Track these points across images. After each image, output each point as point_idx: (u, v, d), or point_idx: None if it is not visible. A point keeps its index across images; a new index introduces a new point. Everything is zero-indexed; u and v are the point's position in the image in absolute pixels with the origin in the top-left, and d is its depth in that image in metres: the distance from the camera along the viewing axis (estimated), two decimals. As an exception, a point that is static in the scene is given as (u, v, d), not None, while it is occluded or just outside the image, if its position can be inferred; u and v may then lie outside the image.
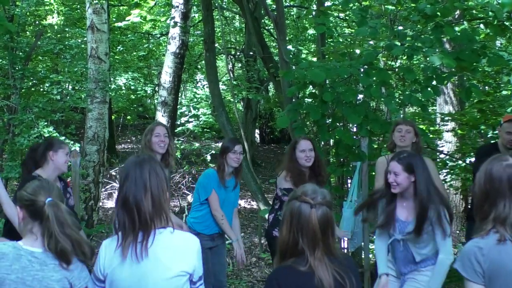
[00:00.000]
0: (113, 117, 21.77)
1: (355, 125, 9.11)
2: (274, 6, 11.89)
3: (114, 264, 3.76)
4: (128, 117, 26.23)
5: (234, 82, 21.53)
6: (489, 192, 3.78)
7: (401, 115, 11.12)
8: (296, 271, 3.58)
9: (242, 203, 17.28)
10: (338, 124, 9.37)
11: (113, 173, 16.54)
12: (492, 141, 9.57)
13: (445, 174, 11.72)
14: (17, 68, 10.93)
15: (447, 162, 11.75)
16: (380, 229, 6.21)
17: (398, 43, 8.61)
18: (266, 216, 8.59)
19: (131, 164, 3.87)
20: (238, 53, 23.69)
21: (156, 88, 20.49)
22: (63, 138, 10.36)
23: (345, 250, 9.43)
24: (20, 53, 11.34)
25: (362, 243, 8.69)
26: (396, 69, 9.66)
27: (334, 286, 3.57)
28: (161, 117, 15.30)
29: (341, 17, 18.09)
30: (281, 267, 3.67)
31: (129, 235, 3.74)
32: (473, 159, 8.90)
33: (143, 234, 3.73)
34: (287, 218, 3.67)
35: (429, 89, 8.56)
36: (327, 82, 9.10)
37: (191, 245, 3.88)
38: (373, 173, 8.11)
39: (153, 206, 3.75)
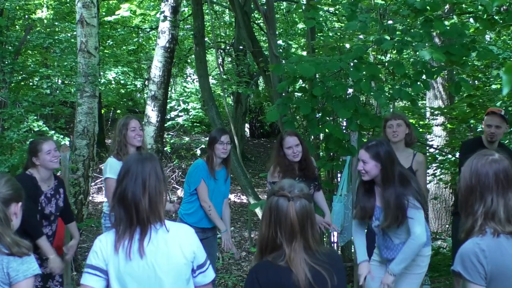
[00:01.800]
0: (102, 111, 21.76)
1: (345, 120, 9.12)
2: (264, 0, 11.87)
3: (116, 258, 3.78)
4: (118, 111, 26.18)
5: (224, 76, 21.51)
6: (475, 187, 3.79)
7: (391, 109, 11.13)
8: (275, 266, 3.60)
9: (232, 197, 17.31)
10: (328, 118, 9.38)
11: (103, 167, 16.53)
12: (476, 136, 9.59)
13: (434, 168, 11.76)
14: (6, 62, 10.88)
15: (437, 156, 11.79)
16: (358, 220, 6.27)
17: (388, 38, 8.63)
18: (256, 210, 8.60)
19: (132, 161, 3.89)
20: (228, 47, 23.68)
21: (146, 82, 20.48)
22: (52, 132, 10.32)
23: (335, 245, 9.45)
24: (10, 47, 11.29)
25: (352, 237, 8.71)
26: (386, 64, 9.67)
27: (312, 281, 3.56)
28: (151, 111, 15.29)
29: (331, 11, 18.09)
30: (261, 262, 3.70)
31: (126, 231, 3.77)
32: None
33: (141, 231, 3.76)
34: (266, 214, 3.70)
35: (418, 83, 8.57)
36: (317, 76, 9.10)
37: (188, 234, 3.91)
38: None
39: (150, 206, 3.76)
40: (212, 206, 7.48)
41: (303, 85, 9.59)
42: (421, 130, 11.83)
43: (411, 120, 10.24)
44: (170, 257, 3.79)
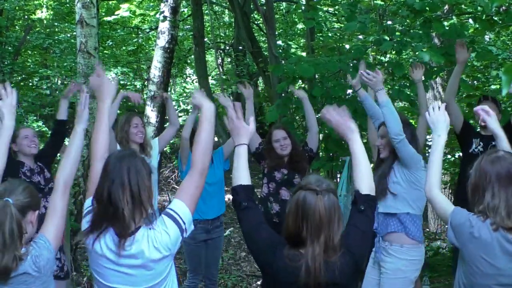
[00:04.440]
0: (102, 111, 21.66)
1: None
2: (264, 1, 11.88)
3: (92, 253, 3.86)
4: (118, 112, 26.09)
5: (224, 77, 21.52)
6: (478, 184, 3.92)
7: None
8: (292, 255, 3.60)
9: (231, 197, 17.26)
10: (327, 118, 9.37)
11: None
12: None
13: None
14: (6, 63, 10.89)
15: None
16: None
17: (387, 38, 8.62)
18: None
19: (111, 159, 3.85)
20: (227, 48, 23.67)
21: (145, 83, 20.46)
22: (51, 133, 10.36)
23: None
24: (9, 48, 11.32)
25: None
26: (385, 64, 9.68)
27: (320, 279, 3.53)
28: (151, 111, 15.27)
29: (331, 11, 18.09)
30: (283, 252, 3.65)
31: (102, 229, 3.76)
32: (461, 153, 8.90)
33: (115, 232, 3.73)
34: (292, 208, 3.64)
35: (418, 83, 8.57)
36: (317, 76, 9.10)
37: (160, 238, 3.78)
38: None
39: (133, 204, 3.72)
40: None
41: (303, 85, 9.60)
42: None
43: (410, 121, 10.23)
44: (148, 260, 3.77)
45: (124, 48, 21.78)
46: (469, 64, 11.01)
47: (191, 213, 3.90)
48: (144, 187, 3.77)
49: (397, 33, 8.69)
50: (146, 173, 3.84)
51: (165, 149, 17.73)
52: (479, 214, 3.88)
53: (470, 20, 9.76)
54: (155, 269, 3.79)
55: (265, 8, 11.26)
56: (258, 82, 24.70)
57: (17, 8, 13.20)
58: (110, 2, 21.52)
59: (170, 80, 19.42)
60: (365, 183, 3.89)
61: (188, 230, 3.87)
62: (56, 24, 17.36)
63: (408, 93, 8.78)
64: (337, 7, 14.67)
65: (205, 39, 16.85)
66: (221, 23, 24.16)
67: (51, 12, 19.22)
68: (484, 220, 3.84)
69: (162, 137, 7.97)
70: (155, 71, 15.30)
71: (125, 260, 3.75)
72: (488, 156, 3.95)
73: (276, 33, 13.43)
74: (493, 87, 12.30)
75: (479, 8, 8.70)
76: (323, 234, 3.55)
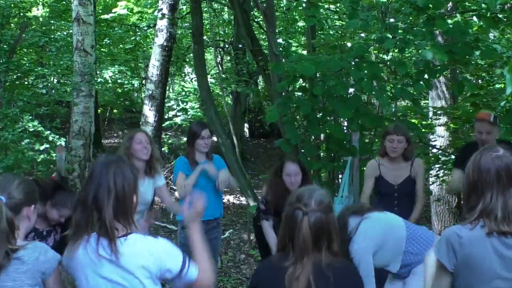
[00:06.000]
0: (99, 111, 21.61)
1: (346, 119, 9.04)
2: (263, -2, 11.74)
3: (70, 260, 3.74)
4: (115, 111, 26.04)
5: (223, 75, 21.42)
6: (476, 183, 3.72)
7: (393, 109, 11.03)
8: (279, 272, 3.51)
9: (231, 198, 17.16)
10: (328, 118, 9.30)
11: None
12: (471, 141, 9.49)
13: (437, 169, 11.65)
14: (1, 61, 10.81)
15: (440, 156, 11.69)
16: None
17: (390, 36, 8.55)
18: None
19: (97, 164, 3.75)
20: (227, 46, 23.59)
21: (143, 82, 20.38)
22: (48, 132, 10.21)
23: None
24: (5, 46, 11.22)
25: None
26: (388, 62, 9.60)
27: None
28: (148, 111, 15.19)
29: (332, 9, 18.00)
30: (267, 266, 3.68)
31: (83, 236, 3.63)
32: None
33: (98, 238, 3.59)
34: (283, 224, 3.62)
35: (421, 82, 8.54)
36: (318, 75, 9.01)
37: (156, 248, 3.70)
38: (364, 168, 8.04)
39: (117, 209, 3.60)
40: (187, 186, 7.26)
41: (304, 84, 9.50)
42: (424, 130, 11.73)
43: (413, 120, 10.11)
44: (126, 271, 3.62)
45: (121, 46, 21.73)
46: (473, 62, 10.93)
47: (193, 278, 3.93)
48: (130, 194, 3.69)
49: (400, 31, 8.63)
50: (134, 180, 3.74)
51: (163, 149, 17.65)
52: (473, 218, 3.67)
53: (474, 18, 9.73)
54: (145, 276, 3.65)
55: (265, 5, 11.11)
56: (258, 80, 24.64)
57: (12, 5, 13.07)
58: (107, 0, 21.45)
59: (169, 79, 19.36)
60: None
61: (187, 277, 3.92)
62: (52, 22, 17.31)
63: (411, 91, 8.68)
64: (338, 4, 14.58)
65: (204, 37, 16.71)
66: (221, 21, 24.08)
67: (47, 10, 19.15)
68: (473, 227, 3.63)
69: (161, 190, 7.63)
70: (153, 69, 15.23)
71: (114, 267, 3.61)
72: (487, 154, 3.76)
73: (277, 31, 13.29)
74: (497, 86, 12.21)
75: (483, 5, 8.62)
76: (309, 255, 3.48)
